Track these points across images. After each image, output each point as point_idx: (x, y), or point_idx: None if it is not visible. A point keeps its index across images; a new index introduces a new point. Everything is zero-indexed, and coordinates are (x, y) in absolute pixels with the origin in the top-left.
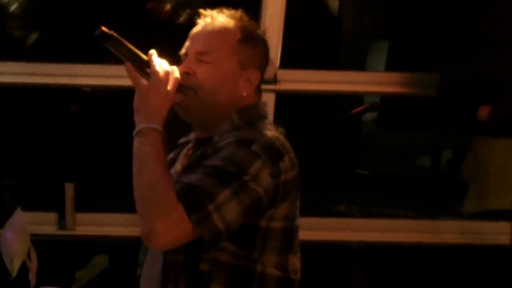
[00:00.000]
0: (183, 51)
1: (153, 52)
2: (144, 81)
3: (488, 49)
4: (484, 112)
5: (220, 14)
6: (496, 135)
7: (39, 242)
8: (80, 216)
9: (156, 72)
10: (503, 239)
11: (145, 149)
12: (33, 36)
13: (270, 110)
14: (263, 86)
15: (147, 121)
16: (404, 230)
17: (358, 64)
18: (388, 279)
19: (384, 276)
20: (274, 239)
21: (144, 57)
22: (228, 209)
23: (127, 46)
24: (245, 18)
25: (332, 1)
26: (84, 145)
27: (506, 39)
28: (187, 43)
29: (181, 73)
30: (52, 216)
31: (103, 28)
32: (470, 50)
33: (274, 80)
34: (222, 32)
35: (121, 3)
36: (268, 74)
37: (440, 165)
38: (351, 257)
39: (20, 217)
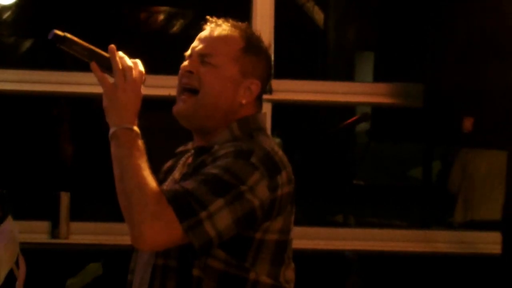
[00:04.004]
0: (188, 52)
1: (113, 47)
2: (111, 80)
3: (466, 59)
4: (468, 123)
5: (226, 23)
6: (480, 147)
7: (31, 251)
8: (73, 225)
9: (118, 69)
10: (494, 249)
11: (122, 152)
12: (27, 44)
13: (267, 120)
14: None
15: (119, 122)
16: (398, 239)
17: (344, 74)
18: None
19: (379, 285)
20: (266, 251)
21: (106, 54)
22: (220, 218)
23: (84, 46)
24: (250, 30)
25: (317, 14)
26: (78, 154)
27: (482, 47)
28: (192, 45)
29: (184, 72)
30: (45, 225)
31: (56, 31)
32: (449, 59)
33: (270, 90)
34: (226, 38)
35: (114, 12)
36: None
37: (431, 176)
38: (347, 266)
39: (9, 225)
